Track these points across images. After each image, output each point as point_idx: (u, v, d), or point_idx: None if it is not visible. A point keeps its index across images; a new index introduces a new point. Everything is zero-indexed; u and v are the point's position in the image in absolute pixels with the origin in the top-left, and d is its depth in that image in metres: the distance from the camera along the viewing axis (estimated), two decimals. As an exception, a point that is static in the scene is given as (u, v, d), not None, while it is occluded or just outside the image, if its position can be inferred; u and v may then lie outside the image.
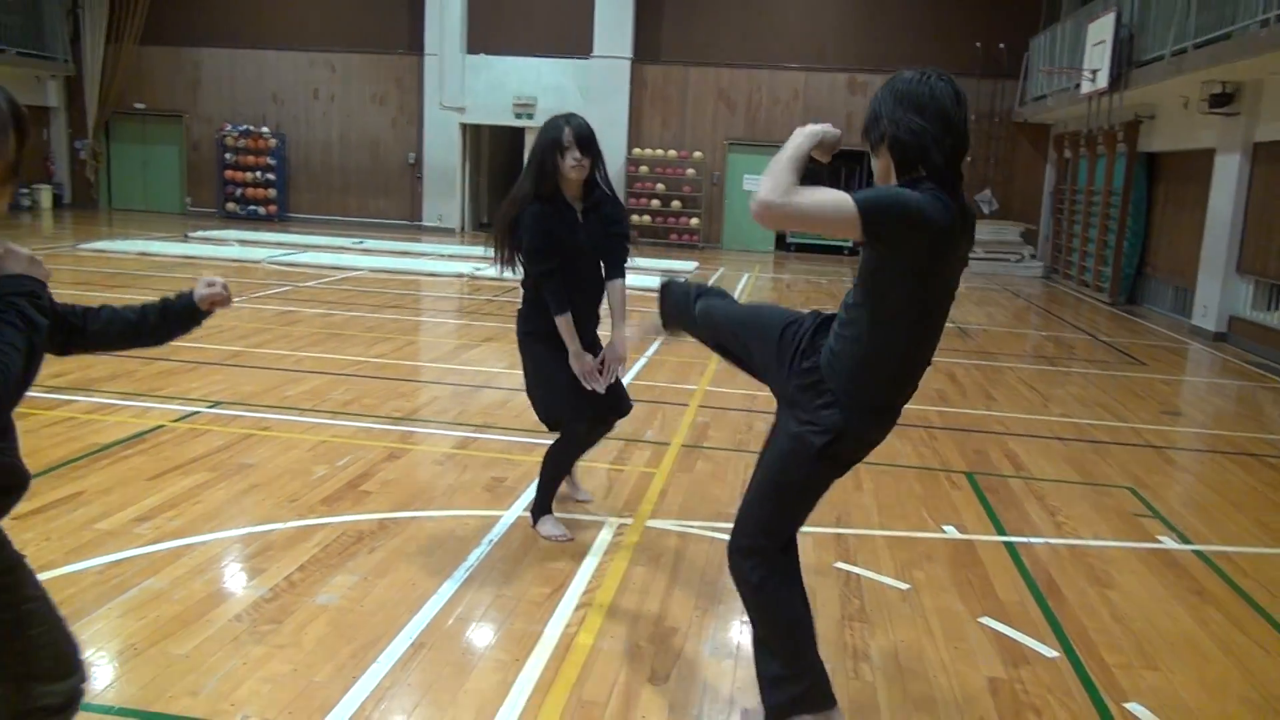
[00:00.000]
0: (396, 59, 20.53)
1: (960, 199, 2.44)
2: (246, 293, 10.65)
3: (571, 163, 3.92)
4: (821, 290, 14.27)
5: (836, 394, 2.56)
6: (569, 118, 3.98)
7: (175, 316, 2.24)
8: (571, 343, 4.03)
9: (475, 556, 3.98)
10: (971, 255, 14.41)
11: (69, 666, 1.99)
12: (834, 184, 2.53)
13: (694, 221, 19.77)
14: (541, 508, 4.29)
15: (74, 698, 2.00)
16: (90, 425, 5.46)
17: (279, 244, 15.94)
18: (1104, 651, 3.51)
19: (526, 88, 19.99)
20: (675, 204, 19.82)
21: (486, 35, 20.02)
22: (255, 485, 4.66)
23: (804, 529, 4.50)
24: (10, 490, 1.87)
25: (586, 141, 3.93)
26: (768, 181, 2.28)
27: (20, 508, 3.88)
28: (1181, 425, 7.28)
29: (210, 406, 5.98)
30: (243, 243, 15.98)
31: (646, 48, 19.80)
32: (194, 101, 21.32)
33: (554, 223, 3.98)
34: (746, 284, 14.07)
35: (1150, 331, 11.93)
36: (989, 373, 8.69)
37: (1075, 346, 10.62)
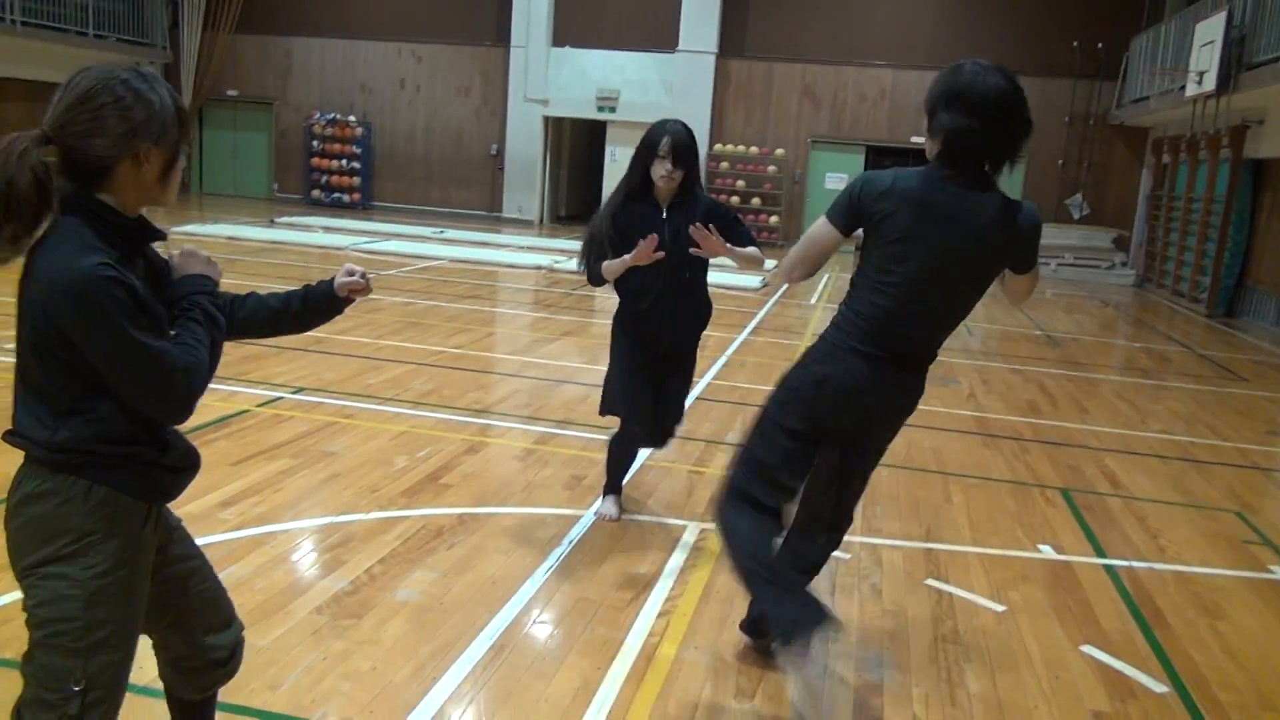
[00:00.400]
0: (482, 51, 20.65)
1: (963, 181, 2.72)
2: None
3: (663, 172, 3.89)
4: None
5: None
6: (670, 125, 3.92)
7: (316, 304, 2.25)
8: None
9: (555, 556, 3.91)
10: (1060, 261, 13.98)
11: (228, 616, 2.18)
12: None
13: (774, 219, 19.52)
14: (608, 487, 4.43)
15: (236, 648, 2.19)
16: (178, 407, 5.52)
17: (362, 232, 16.14)
18: (1217, 689, 3.30)
19: (610, 81, 19.94)
20: (755, 201, 19.60)
21: (572, 28, 20.02)
22: (337, 474, 4.65)
23: (894, 542, 4.39)
24: (187, 469, 1.98)
25: (681, 153, 3.87)
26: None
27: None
28: (1289, 447, 6.92)
29: (294, 393, 6.02)
30: (327, 229, 16.21)
31: (731, 42, 19.60)
32: (284, 89, 21.72)
33: (632, 219, 3.94)
34: (826, 284, 13.82)
35: (1251, 346, 11.42)
36: (1081, 384, 8.37)
37: (1172, 359, 10.21)
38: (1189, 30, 14.26)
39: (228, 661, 2.17)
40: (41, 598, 1.80)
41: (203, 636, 2.10)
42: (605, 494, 4.43)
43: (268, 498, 4.30)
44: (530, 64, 20.05)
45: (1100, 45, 18.11)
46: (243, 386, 6.05)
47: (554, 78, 20.19)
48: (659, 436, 4.28)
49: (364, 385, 6.35)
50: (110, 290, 1.68)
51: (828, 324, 2.95)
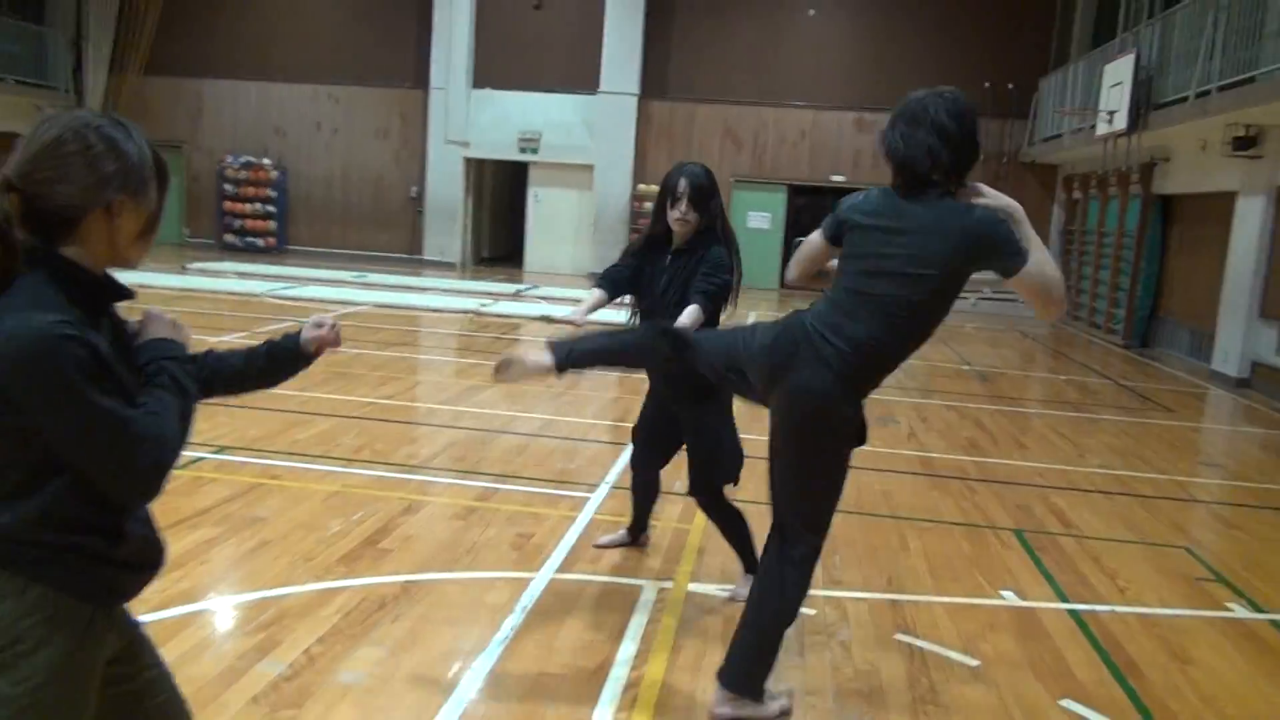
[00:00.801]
0: (401, 93, 20.38)
1: (898, 194, 3.00)
2: (248, 328, 10.35)
3: (676, 215, 3.79)
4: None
5: None
6: (688, 168, 3.82)
7: (280, 361, 2.08)
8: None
9: (509, 626, 3.68)
10: (980, 296, 14.21)
11: None
12: None
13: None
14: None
15: None
16: (89, 472, 5.14)
17: (279, 277, 15.68)
18: (1201, 741, 3.21)
19: (532, 123, 19.84)
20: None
21: (493, 69, 19.89)
22: (267, 542, 4.35)
23: (857, 594, 4.25)
24: (146, 566, 1.75)
25: (698, 195, 3.76)
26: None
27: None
28: (1223, 478, 7.01)
29: (216, 453, 5.67)
30: (241, 275, 15.71)
31: (653, 84, 19.68)
32: (195, 132, 21.13)
33: (641, 258, 3.96)
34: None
35: (1169, 376, 11.69)
36: (1016, 419, 8.42)
37: (1097, 391, 10.38)
38: (1096, 71, 14.74)
39: None
40: None
41: None
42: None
43: (191, 572, 3.98)
44: (450, 106, 19.84)
45: (1011, 86, 18.62)
46: (160, 447, 5.68)
47: (475, 119, 20.01)
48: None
49: (291, 442, 6.03)
50: (70, 350, 1.50)
51: None
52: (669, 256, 3.88)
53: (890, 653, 3.71)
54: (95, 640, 1.64)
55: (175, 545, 4.20)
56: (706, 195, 3.78)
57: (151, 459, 1.57)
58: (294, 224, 21.04)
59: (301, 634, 3.48)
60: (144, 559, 1.73)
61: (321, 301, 13.02)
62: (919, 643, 3.81)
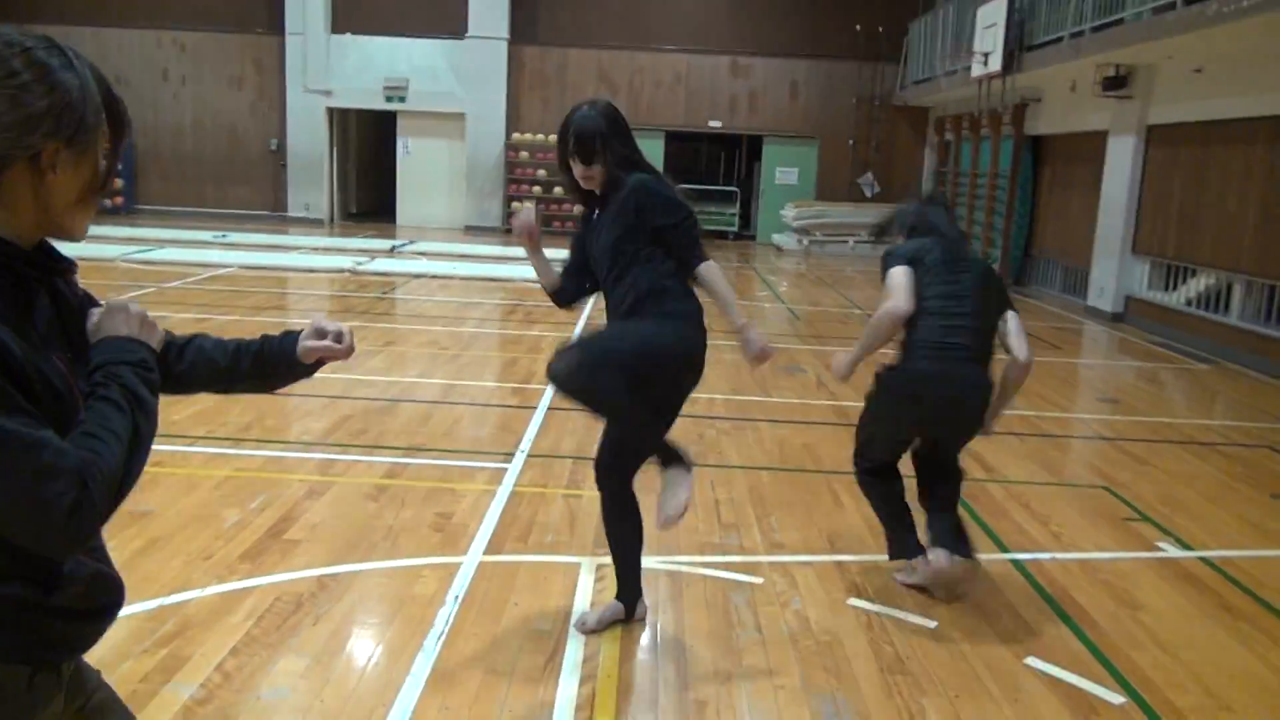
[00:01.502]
0: (255, 39, 19.14)
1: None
2: (101, 296, 9.50)
3: (578, 173, 3.16)
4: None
5: None
6: (576, 114, 3.14)
7: (272, 368, 1.65)
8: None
9: (444, 619, 3.36)
10: (857, 239, 14.46)
11: None
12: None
13: (577, 208, 19.06)
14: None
15: None
16: (-63, 470, 4.54)
17: (131, 239, 14.56)
18: (1169, 692, 3.16)
19: (398, 69, 18.94)
20: (557, 190, 19.12)
21: (353, 14, 18.86)
22: (157, 540, 3.89)
23: (802, 558, 4.09)
24: (97, 611, 1.37)
25: (585, 147, 3.08)
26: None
27: None
28: (1121, 413, 7.16)
29: (84, 438, 5.10)
30: (90, 239, 14.49)
31: (524, 28, 19.02)
32: (24, 83, 19.38)
33: (583, 226, 3.34)
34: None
35: (1047, 313, 12.00)
36: (916, 363, 8.43)
37: (985, 331, 10.53)
38: (967, 14, 14.88)
39: None
40: None
41: None
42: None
43: (73, 580, 3.51)
44: (309, 52, 18.76)
45: (880, 29, 18.72)
46: (17, 436, 5.08)
47: (336, 67, 18.98)
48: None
49: (168, 423, 5.48)
50: None
51: None
52: (595, 212, 3.27)
53: (847, 619, 3.56)
54: (35, 709, 1.31)
55: (50, 551, 3.71)
56: (600, 143, 3.07)
57: (70, 498, 1.16)
58: (144, 180, 19.65)
59: (211, 647, 3.09)
60: (92, 603, 1.36)
61: (182, 265, 12.14)
62: (873, 607, 3.66)
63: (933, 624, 3.55)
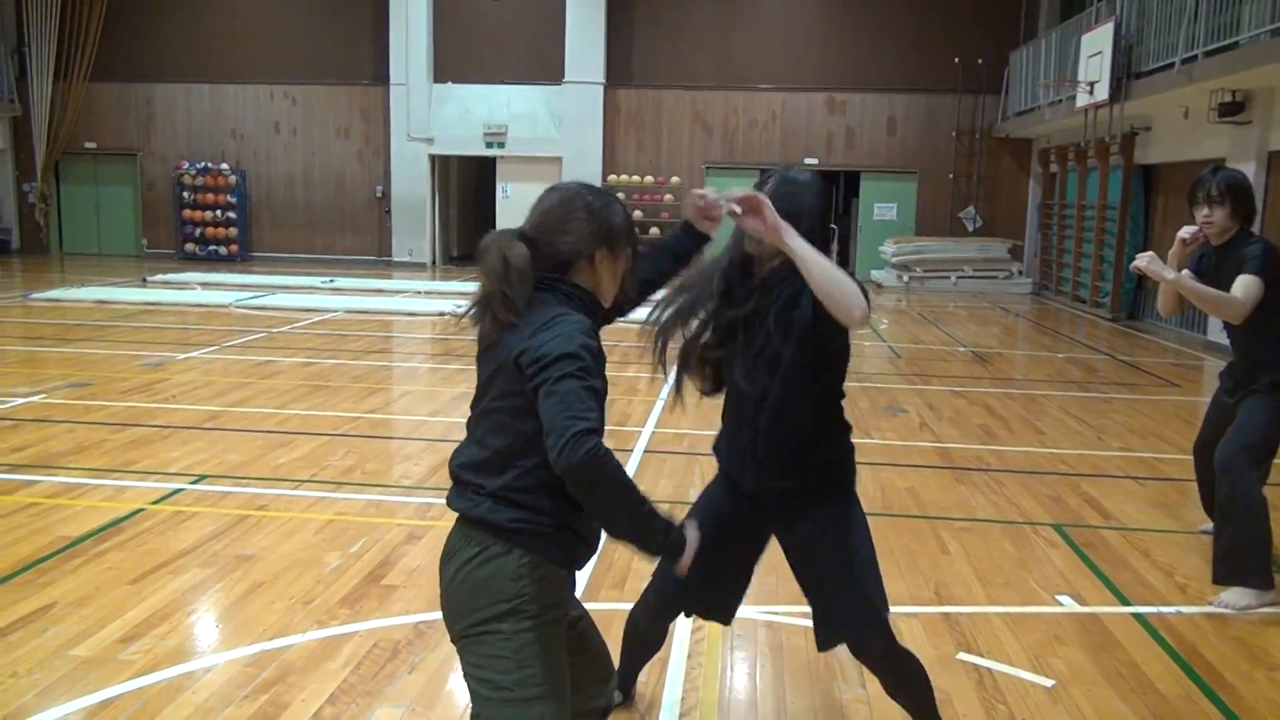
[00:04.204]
0: (360, 90, 19.84)
1: None
2: (216, 341, 9.88)
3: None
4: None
5: None
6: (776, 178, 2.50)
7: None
8: None
9: (538, 670, 3.31)
10: (960, 274, 14.23)
11: (611, 669, 2.38)
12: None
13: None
14: None
15: (612, 700, 2.38)
16: (57, 513, 4.72)
17: (244, 286, 15.14)
18: (1314, 762, 2.92)
19: (496, 116, 19.37)
20: (654, 231, 19.25)
21: (454, 63, 19.40)
22: (260, 584, 3.96)
23: (907, 609, 3.93)
24: (595, 540, 2.13)
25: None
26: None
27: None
28: (1248, 455, 6.75)
29: (194, 482, 5.25)
30: (205, 285, 15.16)
31: (619, 72, 19.28)
32: (147, 139, 20.46)
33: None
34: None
35: (1164, 349, 11.50)
36: (1024, 402, 8.15)
37: (1098, 368, 10.15)
38: (1070, 43, 14.53)
39: (605, 713, 2.32)
40: (479, 658, 1.98)
41: (589, 685, 2.24)
42: None
43: (179, 624, 3.59)
44: (412, 102, 19.33)
45: (980, 61, 18.40)
46: (132, 479, 5.26)
47: (438, 115, 19.52)
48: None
49: (274, 466, 5.61)
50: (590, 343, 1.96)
51: None
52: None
53: (956, 676, 3.39)
54: (561, 598, 2.05)
55: (157, 594, 3.82)
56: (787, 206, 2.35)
57: (586, 451, 1.83)
58: (256, 230, 20.45)
59: (310, 693, 3.11)
60: (592, 534, 2.06)
61: (291, 310, 12.53)
62: (984, 662, 3.49)
63: (1049, 683, 3.36)
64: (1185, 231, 4.17)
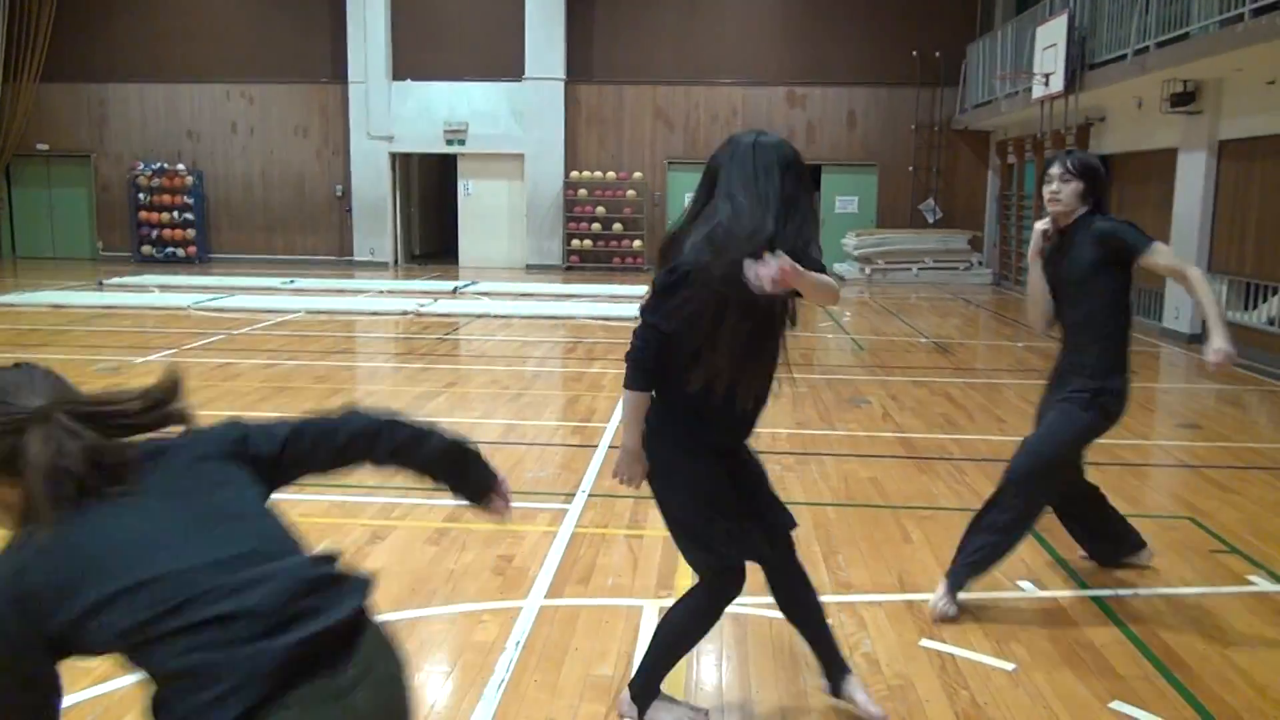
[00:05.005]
0: (319, 88, 19.64)
1: None
2: (177, 344, 9.75)
3: None
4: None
5: None
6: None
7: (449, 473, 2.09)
8: None
9: (505, 666, 3.32)
10: (921, 266, 14.35)
11: None
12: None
13: (636, 244, 19.23)
14: (648, 690, 2.97)
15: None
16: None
17: (203, 288, 14.96)
18: (1268, 738, 2.98)
19: (457, 113, 19.27)
20: (616, 227, 19.25)
21: (413, 61, 19.26)
22: (222, 588, 3.91)
23: (870, 597, 3.97)
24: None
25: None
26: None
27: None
28: (1203, 439, 6.89)
29: (154, 486, 5.18)
30: (163, 288, 14.96)
31: (580, 67, 19.25)
32: (101, 140, 20.14)
33: None
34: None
35: (1121, 336, 11.66)
36: (985, 391, 8.25)
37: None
38: (1026, 35, 14.69)
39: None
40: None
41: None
42: (649, 700, 2.97)
43: (140, 630, 3.54)
44: (371, 100, 19.18)
45: (938, 54, 18.57)
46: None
47: (397, 112, 19.38)
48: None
49: (235, 469, 5.55)
50: None
51: None
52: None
53: (919, 662, 3.43)
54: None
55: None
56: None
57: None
58: (215, 231, 20.20)
59: (273, 697, 3.08)
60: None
61: (251, 311, 12.40)
62: (947, 648, 3.53)
63: (1010, 666, 3.41)
64: (1043, 224, 3.87)
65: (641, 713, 2.92)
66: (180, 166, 19.75)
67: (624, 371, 2.72)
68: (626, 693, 2.97)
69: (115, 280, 15.74)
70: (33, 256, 20.42)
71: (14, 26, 19.19)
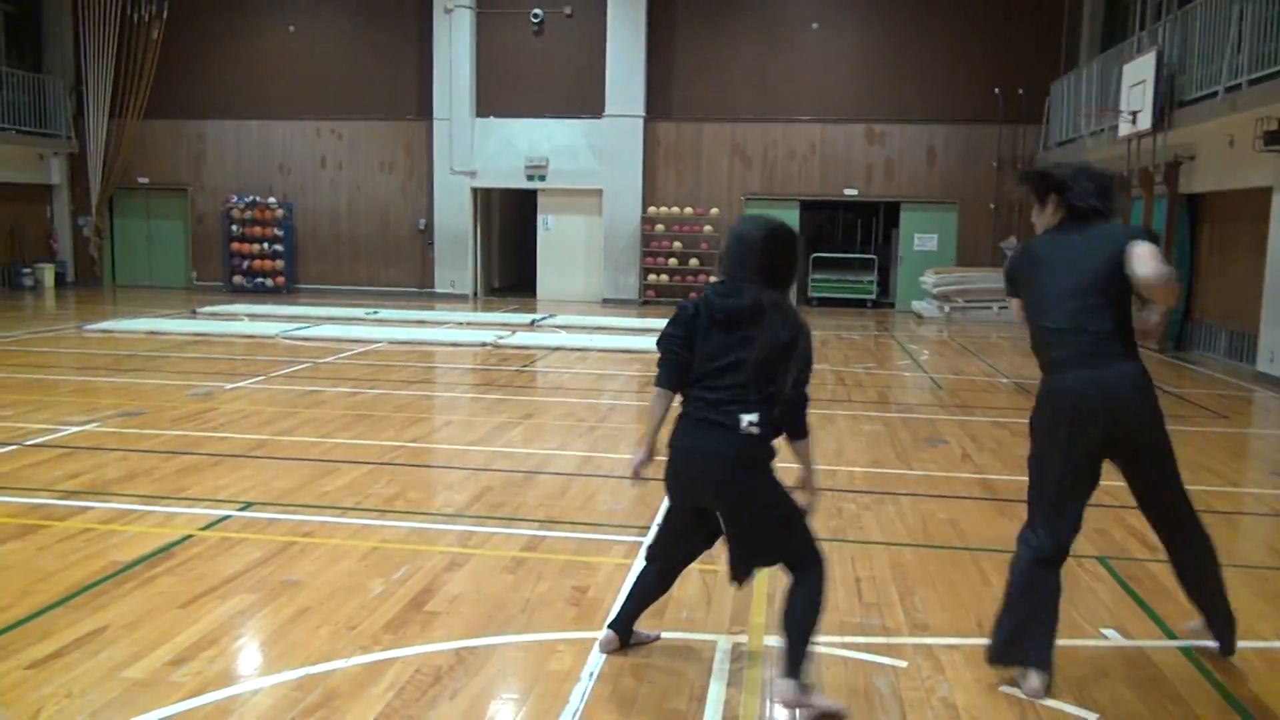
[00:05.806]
0: (405, 125, 20.18)
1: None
2: (263, 371, 10.06)
3: None
4: (853, 344, 13.68)
5: None
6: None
7: None
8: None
9: (579, 697, 3.34)
10: (1002, 305, 14.04)
11: None
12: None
13: (712, 278, 19.21)
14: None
15: None
16: (110, 538, 4.83)
17: (290, 317, 15.40)
18: (1368, 801, 2.86)
19: (538, 149, 19.62)
20: (693, 261, 19.35)
21: (496, 98, 19.70)
22: (305, 609, 4.02)
23: (948, 640, 3.91)
24: None
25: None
26: None
27: (37, 650, 3.19)
28: (1299, 488, 6.64)
29: (242, 509, 5.36)
30: (252, 317, 15.44)
31: (659, 105, 19.47)
32: (198, 174, 20.95)
33: None
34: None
35: (1213, 380, 11.33)
36: (1068, 434, 8.05)
37: (1143, 400, 9.99)
38: (1111, 72, 14.45)
39: None
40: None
41: None
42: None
43: (227, 648, 3.66)
44: (455, 136, 19.64)
45: (1021, 91, 18.36)
46: (182, 506, 5.37)
47: (480, 148, 19.80)
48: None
49: (320, 494, 5.70)
50: None
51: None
52: None
53: (999, 709, 3.37)
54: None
55: (206, 618, 3.89)
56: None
57: None
58: (302, 262, 20.80)
59: (354, 718, 3.15)
60: None
61: (336, 341, 12.73)
62: (1028, 696, 3.46)
63: (1093, 716, 3.33)
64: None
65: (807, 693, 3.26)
66: (271, 200, 20.42)
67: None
68: (793, 683, 3.24)
69: (207, 309, 16.31)
70: (131, 285, 21.25)
71: (121, 65, 20.13)
